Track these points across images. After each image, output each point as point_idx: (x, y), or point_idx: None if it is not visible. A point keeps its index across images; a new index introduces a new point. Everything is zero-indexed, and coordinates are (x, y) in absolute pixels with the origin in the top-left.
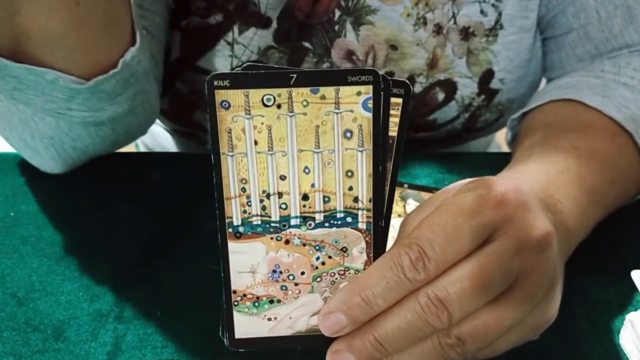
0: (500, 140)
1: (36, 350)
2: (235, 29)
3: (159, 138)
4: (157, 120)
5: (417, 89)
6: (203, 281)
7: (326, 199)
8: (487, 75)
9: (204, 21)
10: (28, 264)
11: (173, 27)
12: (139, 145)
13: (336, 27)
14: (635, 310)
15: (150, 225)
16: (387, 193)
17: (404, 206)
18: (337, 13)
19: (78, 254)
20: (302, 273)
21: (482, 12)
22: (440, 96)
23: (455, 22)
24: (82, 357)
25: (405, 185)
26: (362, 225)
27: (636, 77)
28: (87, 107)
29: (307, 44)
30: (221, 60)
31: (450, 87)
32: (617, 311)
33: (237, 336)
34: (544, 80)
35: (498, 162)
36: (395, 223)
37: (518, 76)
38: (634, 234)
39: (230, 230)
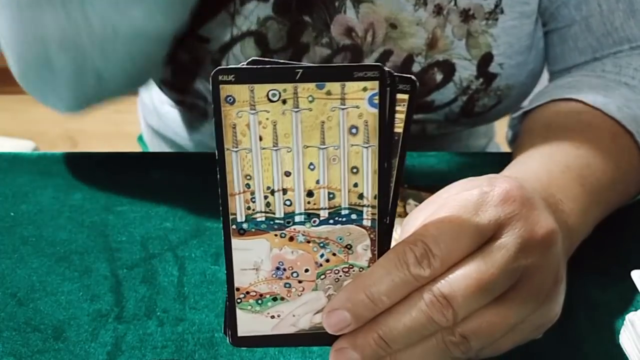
0: (499, 140)
1: (36, 350)
2: (237, 0)
3: (164, 119)
4: (164, 98)
5: (416, 68)
6: (203, 281)
7: (331, 196)
8: (486, 59)
9: None
10: (28, 264)
11: None
12: (144, 135)
13: (336, 3)
14: (635, 310)
15: (150, 225)
16: (392, 190)
17: (404, 206)
18: None
19: (78, 254)
20: (306, 270)
21: None
22: (439, 77)
23: (455, 4)
24: (82, 357)
25: (405, 185)
26: (366, 222)
27: (637, 77)
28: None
29: (306, 18)
30: (221, 29)
31: (448, 68)
32: (617, 311)
33: (240, 334)
34: (545, 78)
35: (498, 162)
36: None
37: (517, 62)
38: (634, 234)
39: (234, 226)
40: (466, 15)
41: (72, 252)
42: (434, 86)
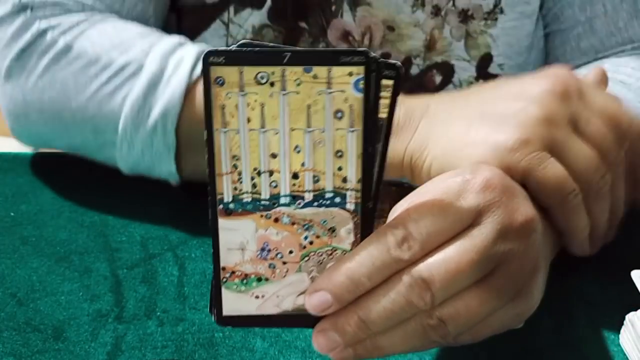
0: None
1: (36, 350)
2: (231, 9)
3: None
4: None
5: (414, 70)
6: (203, 281)
7: (316, 179)
8: (486, 60)
9: (200, 1)
10: (28, 264)
11: (170, 9)
12: None
13: (333, 7)
14: (635, 310)
15: (150, 225)
16: (375, 175)
17: None
18: None
19: (78, 254)
20: (290, 252)
21: None
22: (438, 79)
23: (454, 4)
24: (82, 357)
25: (406, 185)
26: (350, 206)
27: (634, 76)
28: None
29: (302, 24)
30: (216, 39)
31: (447, 69)
32: (617, 311)
33: (225, 313)
34: None
35: None
36: None
37: (518, 63)
38: (634, 234)
39: (221, 206)
40: (465, 16)
41: (72, 252)
42: (434, 88)
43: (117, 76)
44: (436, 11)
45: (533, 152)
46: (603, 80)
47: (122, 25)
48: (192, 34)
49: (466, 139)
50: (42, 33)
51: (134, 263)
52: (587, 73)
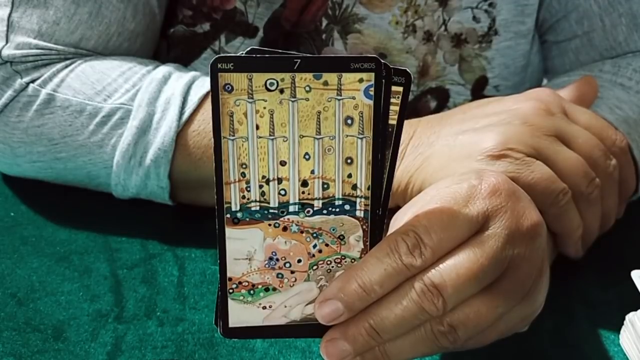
0: None
1: (36, 351)
2: (222, 38)
3: None
4: None
5: None
6: (203, 281)
7: (325, 186)
8: (481, 82)
9: (190, 30)
10: (28, 264)
11: (160, 36)
12: None
13: (323, 36)
14: (635, 310)
15: (150, 225)
16: (385, 181)
17: None
18: (325, 22)
19: (78, 254)
20: (299, 261)
21: (474, 18)
22: (432, 104)
23: (446, 29)
24: (82, 357)
25: None
26: (359, 213)
27: (634, 78)
28: None
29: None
30: (206, 69)
31: (442, 94)
32: (617, 311)
33: (231, 325)
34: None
35: None
36: None
37: (514, 83)
38: (634, 234)
39: (228, 215)
40: (458, 40)
41: (72, 252)
42: (428, 114)
43: (104, 125)
44: (428, 37)
45: (518, 157)
46: (591, 90)
47: (101, 65)
48: (183, 63)
49: (452, 154)
50: (24, 87)
51: (134, 263)
52: (573, 84)
